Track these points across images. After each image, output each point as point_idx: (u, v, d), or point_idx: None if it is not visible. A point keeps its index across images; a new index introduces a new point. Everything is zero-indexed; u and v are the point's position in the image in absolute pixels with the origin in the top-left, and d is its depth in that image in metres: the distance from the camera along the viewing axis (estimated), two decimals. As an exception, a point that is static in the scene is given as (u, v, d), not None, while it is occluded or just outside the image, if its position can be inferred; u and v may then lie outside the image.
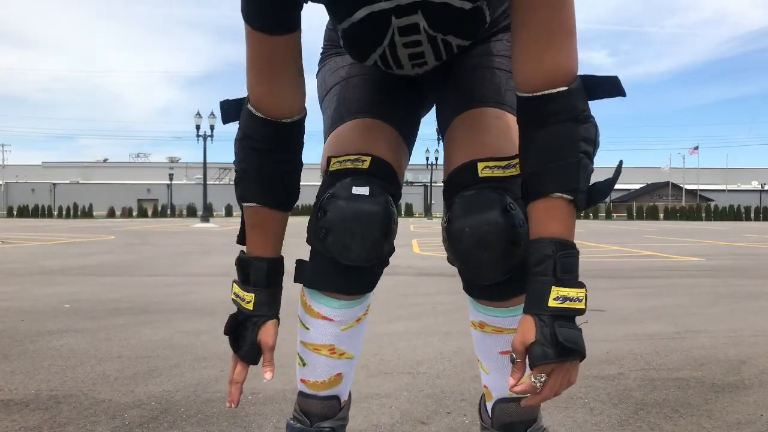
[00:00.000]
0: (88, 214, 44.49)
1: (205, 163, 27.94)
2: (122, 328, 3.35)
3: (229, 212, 49.60)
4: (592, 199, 1.00)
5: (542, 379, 0.95)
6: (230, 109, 1.15)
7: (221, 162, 65.22)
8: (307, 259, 1.23)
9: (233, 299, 1.18)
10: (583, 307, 0.96)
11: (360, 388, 2.20)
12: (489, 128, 1.16)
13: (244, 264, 1.17)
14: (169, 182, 58.65)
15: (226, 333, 1.17)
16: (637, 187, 64.04)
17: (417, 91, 1.36)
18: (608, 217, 48.70)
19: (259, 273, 1.16)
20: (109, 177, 67.32)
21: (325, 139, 1.30)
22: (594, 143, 0.99)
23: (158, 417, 1.89)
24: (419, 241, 13.42)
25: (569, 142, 0.96)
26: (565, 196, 0.96)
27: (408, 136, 1.32)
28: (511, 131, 1.14)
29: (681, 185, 60.89)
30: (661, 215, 47.65)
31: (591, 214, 48.25)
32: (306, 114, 1.15)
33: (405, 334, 3.19)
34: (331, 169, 1.19)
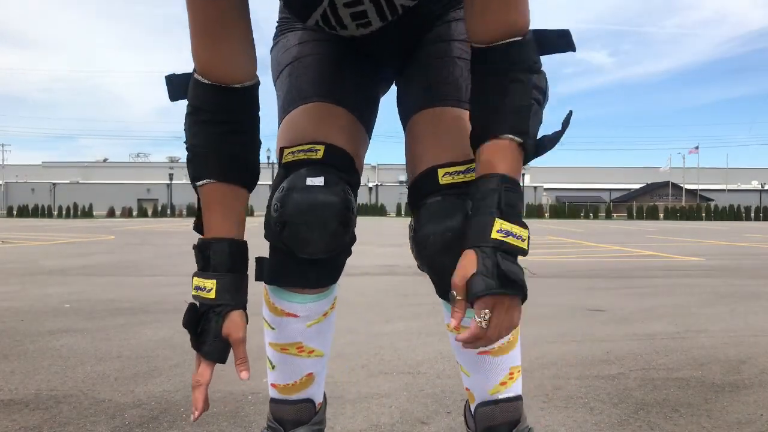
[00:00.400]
0: (88, 214, 44.49)
1: (205, 163, 27.92)
2: (122, 328, 3.35)
3: (229, 212, 49.54)
4: (541, 147, 1.02)
5: (486, 316, 0.92)
6: (179, 85, 1.09)
7: (221, 162, 65.18)
8: (267, 256, 1.19)
9: (194, 295, 1.08)
10: (526, 248, 0.96)
11: (360, 388, 2.20)
12: (449, 130, 1.15)
13: (202, 248, 1.08)
14: (169, 182, 58.64)
15: (184, 326, 1.06)
16: (637, 187, 64.06)
17: (374, 69, 1.33)
18: (608, 217, 48.70)
19: (220, 255, 1.07)
20: (109, 177, 67.31)
21: (279, 125, 1.24)
22: (544, 93, 1.02)
23: (158, 417, 1.89)
24: (419, 241, 13.39)
25: (522, 89, 0.99)
26: (515, 138, 0.98)
27: (366, 118, 1.27)
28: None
29: (681, 185, 60.89)
30: (661, 215, 47.65)
31: (591, 214, 48.28)
32: (259, 82, 1.09)
33: (405, 334, 3.19)
34: (284, 161, 1.14)
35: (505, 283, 0.92)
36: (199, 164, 1.07)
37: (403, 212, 51.72)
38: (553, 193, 65.50)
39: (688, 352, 2.81)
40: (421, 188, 1.15)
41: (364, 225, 26.00)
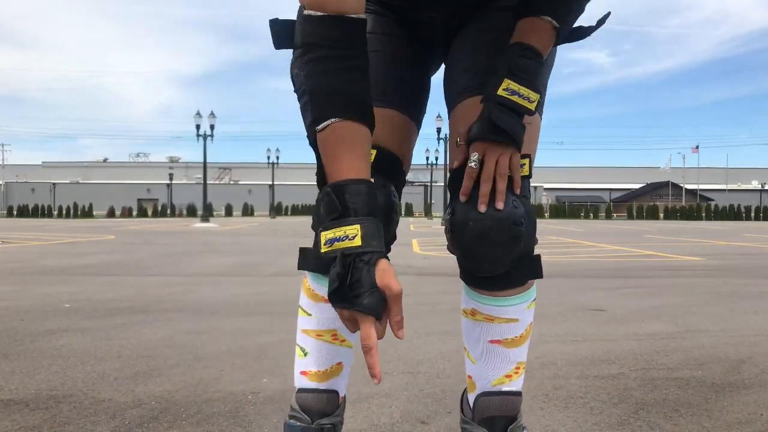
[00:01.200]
0: (88, 213, 44.48)
1: (205, 162, 27.93)
2: (122, 327, 3.34)
3: (229, 212, 49.60)
4: (574, 33, 1.14)
5: (475, 158, 1.06)
6: (283, 31, 1.05)
7: (221, 162, 65.24)
8: (311, 246, 1.14)
9: (327, 249, 0.94)
10: (532, 108, 1.06)
11: (360, 388, 2.20)
12: None
13: (337, 192, 0.94)
14: (169, 182, 58.67)
15: (335, 278, 0.92)
16: (637, 186, 64.04)
17: (428, 52, 1.35)
18: (608, 216, 48.69)
19: (360, 197, 0.94)
20: (109, 177, 67.32)
21: None
22: None
23: (158, 417, 1.89)
24: (419, 240, 13.42)
25: None
26: (552, 21, 1.08)
27: (416, 112, 1.31)
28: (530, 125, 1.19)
29: (681, 185, 60.88)
30: (661, 215, 47.64)
31: (591, 214, 48.27)
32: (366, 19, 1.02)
33: (405, 334, 3.19)
34: None
35: (495, 131, 1.04)
36: (320, 104, 0.98)
37: (403, 212, 51.70)
38: (553, 193, 65.47)
39: (688, 352, 2.81)
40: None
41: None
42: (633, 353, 2.78)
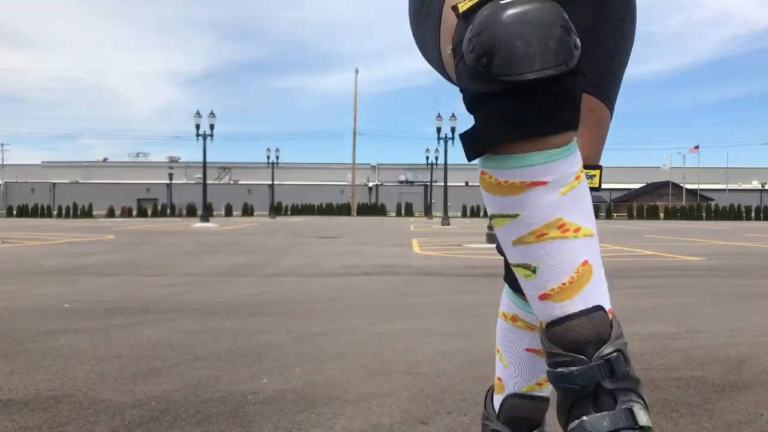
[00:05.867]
0: (87, 213, 44.48)
1: (204, 162, 27.93)
2: (122, 327, 3.34)
3: (228, 212, 49.60)
4: None
5: None
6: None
7: (221, 162, 65.27)
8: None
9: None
10: None
11: (360, 388, 2.20)
12: (583, 121, 0.93)
13: None
14: (168, 182, 58.67)
15: None
16: (637, 186, 64.04)
17: None
18: (608, 216, 48.69)
19: None
20: (109, 177, 67.33)
21: None
22: None
23: (158, 417, 1.88)
24: (419, 240, 13.41)
25: None
26: None
27: None
28: (599, 131, 1.10)
29: (681, 185, 60.88)
30: (662, 215, 47.64)
31: (591, 214, 48.16)
32: None
33: (405, 334, 3.19)
34: (463, 8, 0.84)
35: None
36: None
37: (403, 212, 51.73)
38: (553, 193, 65.34)
39: (688, 352, 2.81)
40: None
41: (364, 225, 26.00)
42: (633, 353, 2.77)
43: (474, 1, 0.83)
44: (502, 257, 1.03)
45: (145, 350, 2.80)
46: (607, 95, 1.13)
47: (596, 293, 0.85)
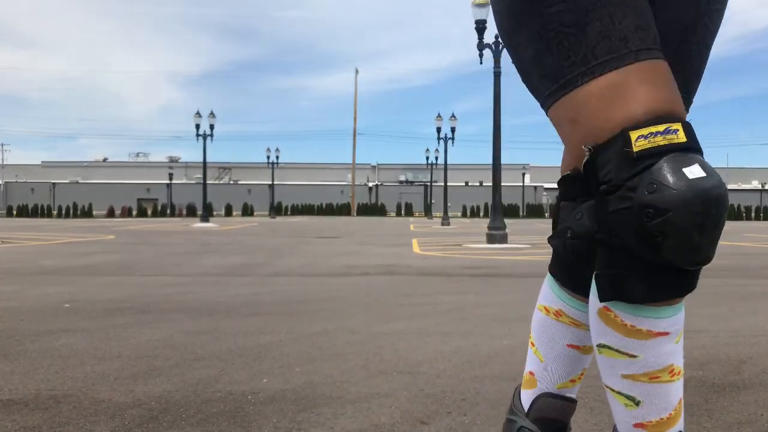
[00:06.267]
0: (87, 213, 44.48)
1: (204, 162, 27.93)
2: (122, 327, 3.34)
3: (228, 212, 49.61)
4: None
5: None
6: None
7: (221, 161, 65.28)
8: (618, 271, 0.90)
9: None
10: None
11: (360, 388, 2.20)
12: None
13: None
14: (168, 182, 58.66)
15: None
16: (637, 186, 63.93)
17: None
18: (608, 216, 48.59)
19: None
20: (109, 176, 67.31)
21: (571, 89, 0.91)
22: None
23: (158, 417, 1.88)
24: (419, 240, 13.41)
25: None
26: None
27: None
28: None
29: (681, 185, 60.80)
30: (661, 215, 47.55)
31: (591, 214, 48.17)
32: None
33: (405, 334, 3.19)
34: (637, 148, 0.84)
35: None
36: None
37: (403, 212, 51.73)
38: (553, 193, 65.62)
39: (688, 352, 2.80)
40: None
41: (364, 225, 26.00)
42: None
43: (655, 144, 0.85)
44: (551, 248, 1.07)
45: (145, 350, 2.80)
46: (690, 100, 1.13)
47: (682, 421, 0.97)
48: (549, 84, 0.93)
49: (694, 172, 0.83)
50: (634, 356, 0.92)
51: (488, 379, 2.34)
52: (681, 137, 0.85)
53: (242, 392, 2.13)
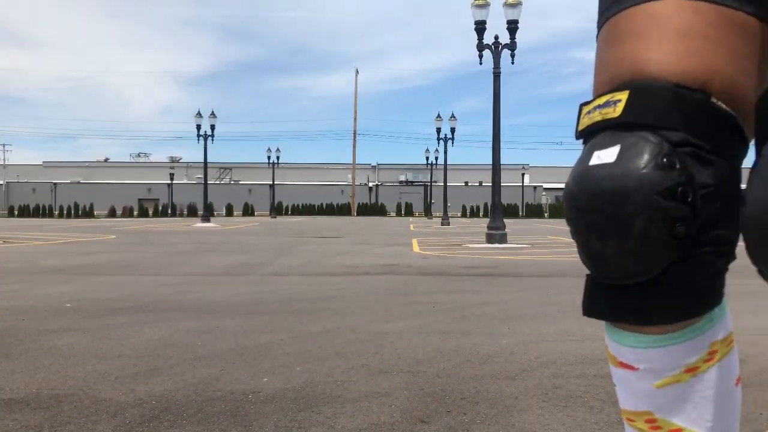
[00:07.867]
0: (88, 213, 44.50)
1: (205, 162, 27.94)
2: (123, 327, 3.35)
3: (229, 212, 49.63)
4: None
5: None
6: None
7: (222, 162, 65.27)
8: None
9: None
10: None
11: (360, 387, 2.20)
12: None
13: None
14: (169, 182, 58.66)
15: None
16: (637, 186, 63.87)
17: None
18: (609, 216, 48.57)
19: None
20: (110, 177, 67.33)
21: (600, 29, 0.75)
22: None
23: (159, 416, 1.89)
24: (419, 240, 13.42)
25: None
26: None
27: None
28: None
29: (681, 185, 60.81)
30: (662, 215, 47.58)
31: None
32: None
33: (405, 333, 3.20)
34: (581, 126, 0.71)
35: None
36: None
37: (403, 212, 51.71)
38: (553, 193, 65.52)
39: (687, 352, 2.81)
40: None
41: (364, 224, 26.00)
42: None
43: (592, 121, 0.69)
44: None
45: (146, 349, 2.81)
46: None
47: None
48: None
49: (602, 157, 0.65)
50: (614, 384, 0.77)
51: (488, 378, 2.35)
52: (617, 110, 0.66)
53: (243, 391, 2.14)
